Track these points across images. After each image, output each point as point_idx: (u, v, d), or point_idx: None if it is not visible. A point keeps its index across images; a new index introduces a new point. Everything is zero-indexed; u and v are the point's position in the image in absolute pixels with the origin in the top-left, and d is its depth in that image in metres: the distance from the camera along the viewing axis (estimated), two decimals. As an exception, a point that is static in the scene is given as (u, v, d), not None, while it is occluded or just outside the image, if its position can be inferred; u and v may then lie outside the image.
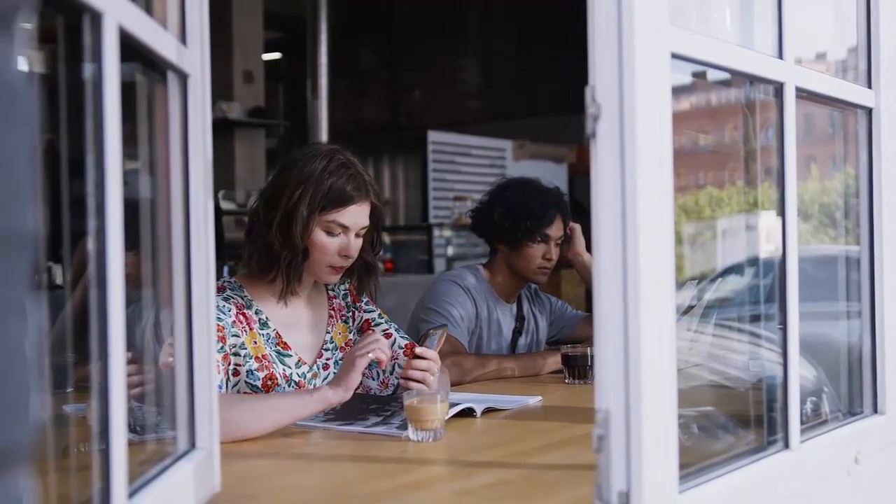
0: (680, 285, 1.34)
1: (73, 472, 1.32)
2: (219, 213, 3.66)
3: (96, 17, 1.03)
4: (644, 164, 1.21)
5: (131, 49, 1.15)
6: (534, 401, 2.46)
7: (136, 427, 1.41)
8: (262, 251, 2.29)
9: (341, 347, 2.45)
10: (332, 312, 2.47)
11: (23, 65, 0.63)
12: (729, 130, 2.11)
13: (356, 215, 2.29)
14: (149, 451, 1.44)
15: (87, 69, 1.05)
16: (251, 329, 2.27)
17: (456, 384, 2.78)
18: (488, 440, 2.07)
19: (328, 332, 2.44)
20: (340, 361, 2.40)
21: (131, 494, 1.13)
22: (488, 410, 2.28)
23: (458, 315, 3.02)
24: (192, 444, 1.43)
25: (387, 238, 8.07)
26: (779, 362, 1.63)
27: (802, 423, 1.62)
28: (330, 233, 2.27)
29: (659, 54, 1.25)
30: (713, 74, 1.61)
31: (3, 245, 0.59)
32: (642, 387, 1.20)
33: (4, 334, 0.60)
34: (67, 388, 1.53)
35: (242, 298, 2.29)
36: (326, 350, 2.42)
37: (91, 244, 1.04)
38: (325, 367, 2.40)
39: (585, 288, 3.72)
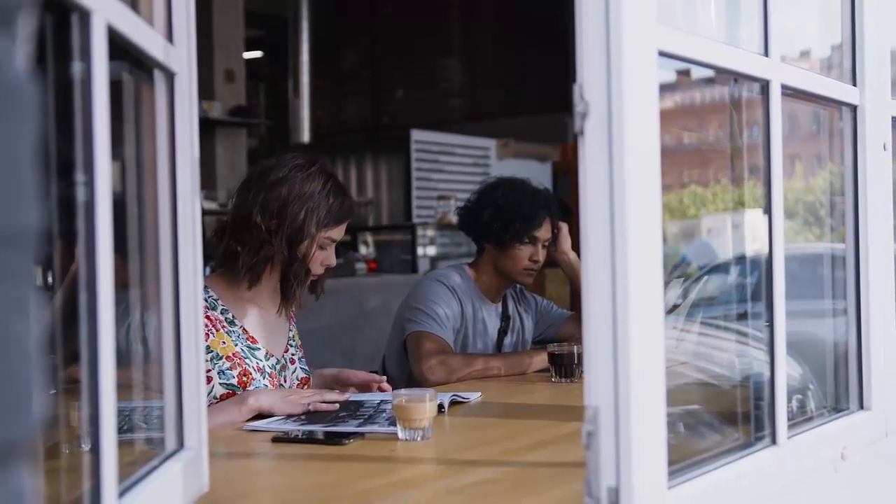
0: (665, 283, 1.34)
1: (60, 473, 1.31)
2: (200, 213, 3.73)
3: (85, 16, 1.02)
4: (632, 161, 1.21)
5: (118, 47, 1.15)
6: (474, 397, 2.48)
7: (122, 427, 1.40)
8: (263, 263, 2.37)
9: (299, 346, 2.60)
10: (291, 314, 2.60)
11: (24, 63, 0.63)
12: (713, 128, 2.11)
13: (344, 230, 2.48)
14: (136, 451, 1.43)
15: (76, 67, 1.04)
16: (218, 330, 2.34)
17: (443, 383, 2.79)
18: (476, 439, 2.07)
19: (290, 331, 2.57)
20: (302, 358, 2.57)
21: (121, 494, 1.12)
22: (454, 403, 2.34)
23: (443, 314, 3.02)
24: (181, 444, 1.42)
25: (370, 238, 8.07)
26: (765, 359, 1.63)
27: (789, 419, 1.62)
28: (321, 247, 2.42)
29: (647, 52, 1.26)
30: (697, 72, 1.61)
31: (8, 242, 0.60)
32: (631, 383, 1.20)
33: (9, 331, 0.60)
34: (52, 390, 1.52)
35: (206, 300, 2.32)
36: (291, 346, 2.55)
37: (80, 245, 1.04)
38: (292, 361, 2.53)
39: (570, 287, 3.72)
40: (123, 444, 1.32)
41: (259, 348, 2.41)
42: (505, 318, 3.27)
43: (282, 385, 2.43)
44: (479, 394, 2.51)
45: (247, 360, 2.36)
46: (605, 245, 1.22)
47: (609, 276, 1.21)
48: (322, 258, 2.42)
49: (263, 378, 2.37)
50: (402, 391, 2.02)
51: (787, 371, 1.65)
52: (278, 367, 2.45)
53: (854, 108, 1.90)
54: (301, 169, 2.39)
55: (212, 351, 2.30)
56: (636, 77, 1.22)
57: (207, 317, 2.32)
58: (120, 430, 1.16)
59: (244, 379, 2.33)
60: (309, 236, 2.37)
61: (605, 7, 1.21)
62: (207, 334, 2.29)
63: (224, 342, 2.34)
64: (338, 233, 2.43)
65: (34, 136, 0.62)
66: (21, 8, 0.62)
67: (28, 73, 0.63)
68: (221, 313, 2.38)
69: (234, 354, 2.34)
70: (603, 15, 1.21)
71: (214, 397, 2.27)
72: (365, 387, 2.53)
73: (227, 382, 2.30)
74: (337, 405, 2.23)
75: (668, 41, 1.31)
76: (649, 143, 1.26)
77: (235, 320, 2.40)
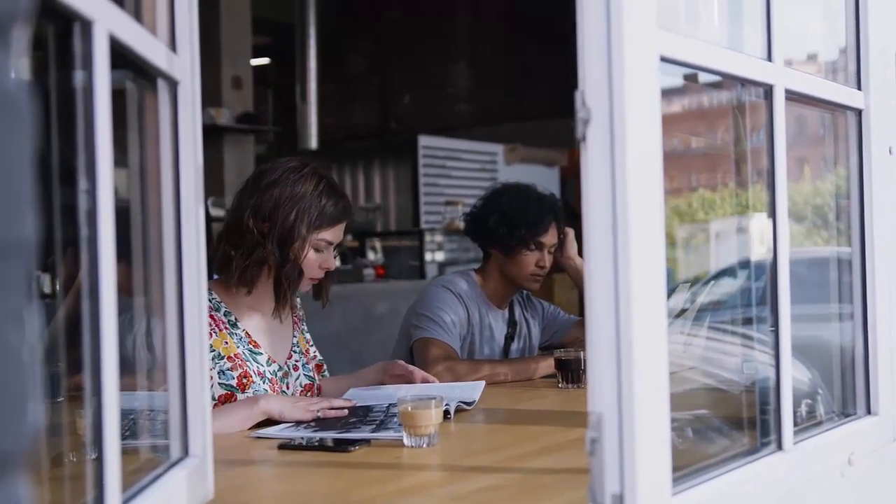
0: (673, 288, 1.34)
1: (66, 480, 1.31)
2: (208, 220, 3.76)
3: (87, 25, 1.03)
4: (634, 167, 1.21)
5: (121, 56, 1.15)
6: (479, 389, 2.51)
7: (125, 433, 1.40)
8: (256, 266, 2.38)
9: (304, 352, 2.58)
10: (296, 319, 2.60)
11: (20, 73, 0.63)
12: (721, 133, 2.11)
13: (341, 232, 2.46)
14: (141, 459, 1.44)
15: (78, 77, 1.04)
16: (221, 330, 2.36)
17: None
18: (482, 445, 2.07)
19: (294, 337, 2.57)
20: (307, 365, 2.56)
21: (125, 502, 1.12)
22: (459, 410, 2.33)
23: (449, 320, 3.02)
24: (186, 452, 1.42)
25: (378, 243, 8.06)
26: (772, 364, 1.63)
27: (797, 424, 1.62)
28: (317, 249, 2.41)
29: (648, 58, 1.26)
30: (704, 76, 1.61)
31: (4, 253, 0.60)
32: (635, 389, 1.20)
33: (4, 341, 0.60)
34: (59, 398, 1.52)
35: (210, 301, 2.33)
36: (295, 352, 2.55)
37: (83, 253, 1.04)
38: (295, 368, 2.53)
39: (578, 292, 3.72)
40: (128, 452, 1.32)
41: (261, 353, 2.42)
42: (511, 323, 3.26)
43: (284, 392, 2.44)
44: (483, 382, 2.56)
45: (248, 363, 2.36)
46: (607, 251, 1.22)
47: (612, 282, 1.21)
48: (319, 261, 2.42)
49: (263, 382, 2.37)
50: (408, 397, 2.02)
51: (795, 376, 1.64)
52: (280, 373, 2.45)
53: (859, 112, 1.90)
54: (294, 171, 2.40)
55: (213, 350, 2.31)
56: (638, 82, 1.22)
57: (211, 316, 2.33)
58: (124, 437, 1.16)
59: (244, 381, 2.33)
60: (300, 237, 2.36)
61: (605, 12, 1.21)
62: (210, 333, 2.30)
63: (226, 342, 2.35)
64: (332, 235, 2.42)
65: (30, 147, 0.63)
66: (17, 19, 0.62)
67: (24, 84, 0.63)
68: (224, 315, 2.39)
69: (235, 355, 2.35)
70: (604, 20, 1.21)
71: (213, 397, 2.28)
72: (407, 378, 2.57)
73: (227, 383, 2.31)
74: (346, 412, 2.24)
75: (669, 46, 1.31)
76: (651, 149, 1.25)
77: (238, 323, 2.41)
